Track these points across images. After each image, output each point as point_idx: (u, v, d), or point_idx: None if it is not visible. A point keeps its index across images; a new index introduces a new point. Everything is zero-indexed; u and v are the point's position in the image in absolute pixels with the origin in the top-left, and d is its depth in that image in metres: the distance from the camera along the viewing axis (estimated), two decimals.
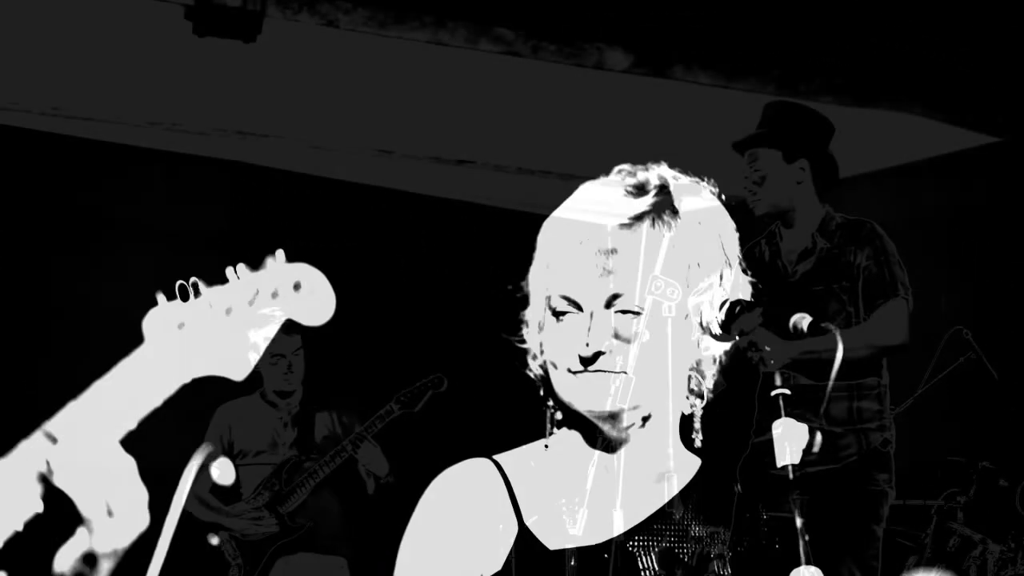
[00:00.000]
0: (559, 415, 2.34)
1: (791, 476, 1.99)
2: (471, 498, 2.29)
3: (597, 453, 2.31)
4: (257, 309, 1.74)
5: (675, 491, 2.35)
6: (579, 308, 2.23)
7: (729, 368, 4.07)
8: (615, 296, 2.23)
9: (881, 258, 4.24)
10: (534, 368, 2.36)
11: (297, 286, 1.77)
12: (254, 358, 1.74)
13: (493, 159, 7.04)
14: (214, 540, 5.50)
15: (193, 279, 1.76)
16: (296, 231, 7.07)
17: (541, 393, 2.35)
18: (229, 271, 1.77)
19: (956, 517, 5.31)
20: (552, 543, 2.29)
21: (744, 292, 2.23)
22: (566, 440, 2.35)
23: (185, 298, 1.72)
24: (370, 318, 7.02)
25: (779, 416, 2.02)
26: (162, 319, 1.71)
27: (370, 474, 5.58)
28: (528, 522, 2.28)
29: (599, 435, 2.29)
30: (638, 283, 2.20)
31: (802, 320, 2.07)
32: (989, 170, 6.39)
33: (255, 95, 6.31)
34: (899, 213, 5.81)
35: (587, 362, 2.21)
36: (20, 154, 6.57)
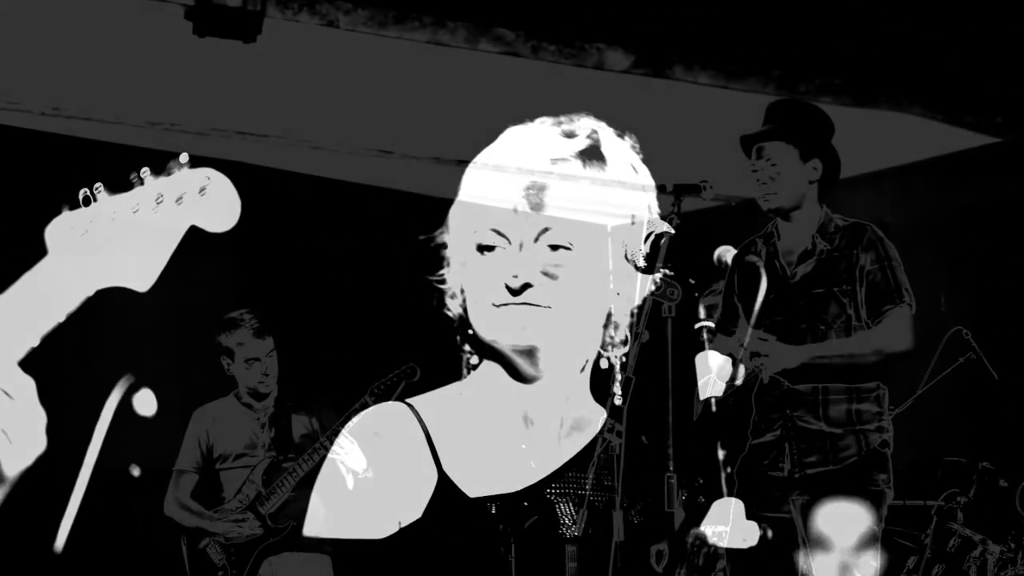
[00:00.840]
0: (474, 359, 2.34)
1: (713, 408, 2.00)
2: (387, 443, 2.27)
3: (515, 400, 2.30)
4: (162, 214, 1.66)
5: (587, 441, 2.36)
6: (508, 241, 2.23)
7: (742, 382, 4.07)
8: (545, 230, 2.24)
9: (885, 263, 4.25)
10: (453, 308, 2.35)
11: (203, 190, 1.70)
12: (158, 268, 1.66)
13: (493, 159, 7.03)
14: (135, 471, 5.49)
15: (97, 184, 1.69)
16: (296, 231, 7.07)
17: (457, 338, 2.34)
18: (132, 176, 1.71)
19: (956, 517, 5.31)
20: (472, 491, 2.29)
21: (662, 228, 2.25)
22: (482, 385, 2.34)
23: (87, 204, 1.65)
24: (370, 318, 7.02)
25: (702, 349, 2.04)
26: (64, 228, 1.63)
27: (349, 470, 5.59)
28: (447, 469, 2.28)
29: (517, 374, 2.28)
30: (567, 218, 2.21)
31: (726, 253, 2.09)
32: (989, 170, 6.39)
33: (255, 95, 6.31)
34: (899, 213, 5.81)
35: (515, 293, 2.21)
36: (20, 154, 6.57)
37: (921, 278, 4.62)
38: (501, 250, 2.22)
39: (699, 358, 2.03)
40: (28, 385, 1.59)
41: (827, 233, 4.29)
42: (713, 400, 2.00)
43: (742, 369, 2.08)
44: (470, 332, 2.28)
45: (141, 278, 1.64)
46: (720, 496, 1.97)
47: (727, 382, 2.05)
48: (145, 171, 1.68)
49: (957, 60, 5.92)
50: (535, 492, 2.25)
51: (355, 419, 2.32)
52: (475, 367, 2.33)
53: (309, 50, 5.78)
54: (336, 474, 2.23)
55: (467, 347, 2.31)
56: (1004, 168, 6.29)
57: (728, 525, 1.98)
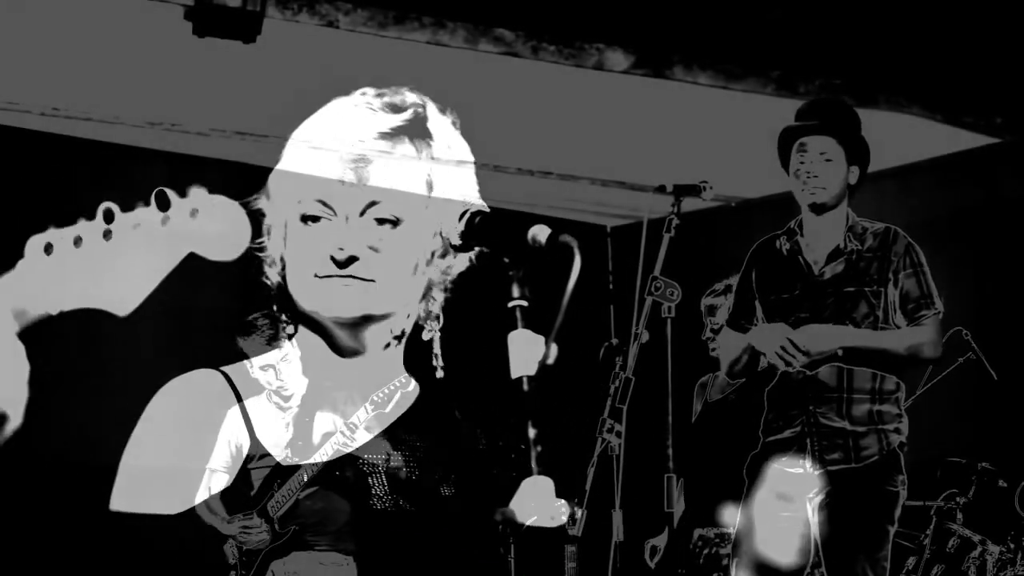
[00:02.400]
0: (291, 328, 2.35)
1: (526, 387, 2.01)
2: (198, 410, 2.27)
3: (333, 370, 2.31)
4: (146, 236, 1.62)
5: (401, 411, 2.37)
6: (333, 212, 2.23)
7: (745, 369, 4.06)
8: (371, 203, 2.24)
9: (918, 269, 4.29)
10: (271, 276, 2.35)
11: (194, 212, 1.66)
12: (141, 296, 1.62)
13: (493, 159, 7.04)
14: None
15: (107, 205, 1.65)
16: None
17: (274, 307, 2.34)
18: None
19: (955, 518, 5.31)
20: (284, 458, 2.29)
21: (481, 206, 2.25)
22: (300, 354, 2.35)
23: (109, 220, 1.60)
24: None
25: (516, 327, 2.04)
26: (35, 244, 1.59)
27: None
28: (259, 435, 2.29)
29: (337, 346, 2.28)
30: (393, 192, 2.22)
31: (540, 233, 2.11)
32: (989, 170, 6.39)
33: (255, 95, 6.31)
34: (898, 214, 5.80)
35: (340, 265, 2.21)
36: (20, 154, 6.57)
37: None
38: (327, 221, 2.22)
39: (511, 336, 2.03)
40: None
41: (856, 234, 4.30)
42: (525, 379, 2.01)
43: (554, 348, 2.09)
44: (289, 301, 2.27)
45: (121, 303, 1.62)
46: (531, 474, 1.98)
47: (540, 362, 2.06)
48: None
49: (957, 60, 5.93)
50: (349, 461, 2.26)
51: (166, 386, 2.31)
52: (292, 336, 2.33)
53: (309, 50, 5.78)
54: (149, 441, 2.22)
55: (284, 316, 2.31)
56: (1004, 169, 6.29)
57: (535, 503, 1.99)
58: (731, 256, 5.26)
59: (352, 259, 2.12)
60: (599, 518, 4.00)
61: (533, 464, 1.94)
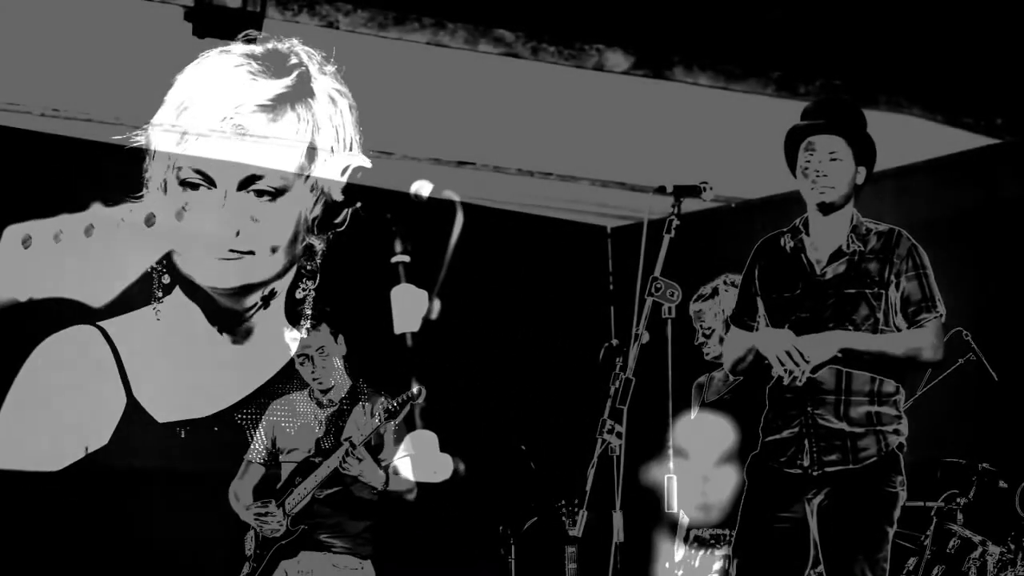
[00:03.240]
0: (167, 278, 2.34)
1: (409, 344, 2.00)
2: (74, 367, 2.26)
3: (211, 329, 2.31)
4: (129, 233, 1.63)
5: (276, 370, 2.37)
6: (213, 184, 2.22)
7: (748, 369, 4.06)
8: (252, 177, 2.24)
9: (920, 272, 4.27)
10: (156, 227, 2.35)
11: (180, 214, 1.67)
12: (117, 289, 1.63)
13: (493, 159, 7.05)
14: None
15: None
16: (295, 232, 7.07)
17: (156, 261, 2.34)
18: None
19: (956, 519, 5.31)
20: (161, 416, 2.29)
21: (363, 162, 2.25)
22: (178, 310, 2.34)
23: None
24: (370, 318, 7.02)
25: (399, 282, 2.03)
26: (12, 233, 1.60)
27: (365, 486, 5.55)
28: (136, 393, 2.28)
29: (216, 311, 2.28)
30: (271, 165, 2.21)
31: (423, 188, 2.10)
32: (989, 171, 6.39)
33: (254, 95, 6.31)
34: (898, 214, 5.81)
35: (221, 239, 2.21)
36: (20, 154, 6.57)
37: None
38: (205, 191, 2.21)
39: (395, 292, 2.03)
40: None
41: (860, 235, 4.29)
42: (409, 335, 2.01)
43: (437, 304, 2.09)
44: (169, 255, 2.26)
45: (95, 296, 1.64)
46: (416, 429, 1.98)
47: (423, 317, 2.06)
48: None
49: (957, 60, 5.93)
50: (225, 417, 2.26)
51: (43, 343, 2.31)
52: (168, 286, 2.32)
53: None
54: (24, 399, 2.22)
55: (160, 266, 2.30)
56: (1004, 169, 6.29)
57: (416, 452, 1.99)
58: (731, 256, 5.25)
59: (232, 232, 2.12)
60: (599, 519, 4.00)
61: (417, 419, 1.94)
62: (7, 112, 6.43)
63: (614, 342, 5.20)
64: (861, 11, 5.77)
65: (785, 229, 4.41)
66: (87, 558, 6.14)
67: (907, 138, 6.44)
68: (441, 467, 2.34)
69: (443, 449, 6.52)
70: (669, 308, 4.02)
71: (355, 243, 6.25)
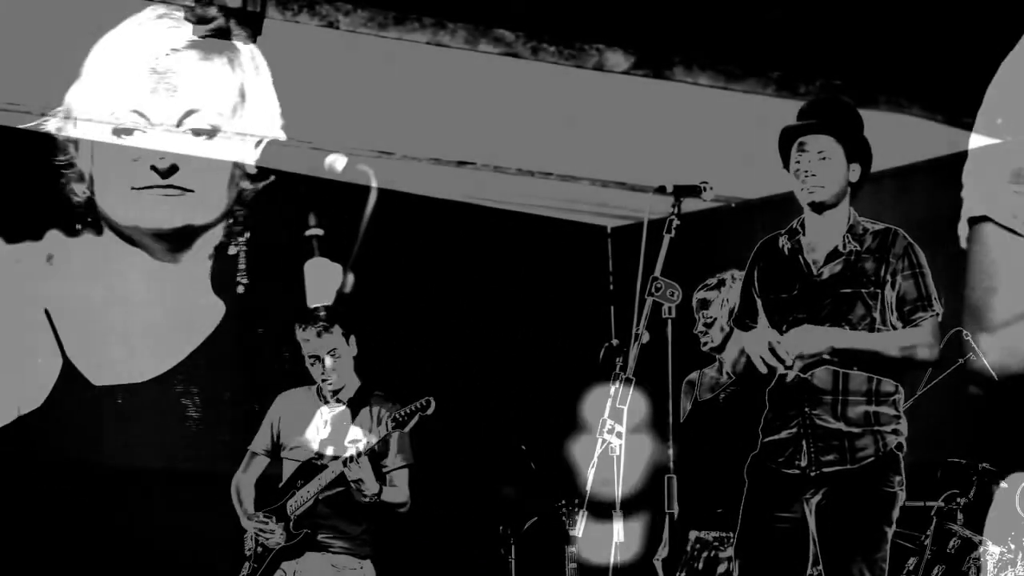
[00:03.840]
0: (98, 227, 2.33)
1: (321, 314, 2.00)
2: (3, 327, 2.26)
3: (150, 284, 2.29)
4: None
5: (209, 332, 2.37)
6: (149, 123, 2.22)
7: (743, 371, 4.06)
8: (188, 113, 2.24)
9: (917, 271, 4.26)
10: (78, 192, 2.35)
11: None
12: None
13: (493, 159, 7.04)
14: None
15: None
16: (296, 232, 7.06)
17: (78, 225, 2.33)
18: None
19: (956, 519, 5.31)
20: (97, 378, 2.29)
21: (276, 126, 2.26)
22: (115, 268, 2.33)
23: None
24: (369, 318, 7.02)
25: (312, 256, 2.04)
26: None
27: (359, 491, 5.52)
28: (70, 355, 2.28)
29: (157, 255, 2.28)
30: (210, 102, 2.22)
31: (336, 161, 2.10)
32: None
33: (255, 96, 6.30)
34: (898, 214, 5.81)
35: (162, 175, 2.21)
36: (20, 154, 6.56)
37: None
38: (141, 133, 2.21)
39: (308, 265, 2.04)
40: None
41: (856, 235, 4.29)
42: (322, 309, 2.01)
43: (351, 277, 2.09)
44: (98, 217, 2.25)
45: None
46: None
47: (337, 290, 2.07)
48: None
49: (957, 60, 5.92)
50: (163, 382, 2.26)
51: None
52: (96, 233, 2.30)
53: (309, 51, 5.78)
54: None
55: (89, 219, 2.29)
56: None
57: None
58: (731, 256, 5.25)
59: (173, 168, 2.12)
60: (599, 519, 4.00)
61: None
62: (7, 112, 6.42)
63: (614, 342, 5.19)
64: (861, 11, 5.77)
65: (783, 230, 4.41)
66: (86, 558, 6.13)
67: (907, 138, 6.44)
68: (353, 445, 2.34)
69: (443, 449, 6.52)
70: (669, 308, 4.02)
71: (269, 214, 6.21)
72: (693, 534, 5.20)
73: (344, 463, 5.41)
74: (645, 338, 3.98)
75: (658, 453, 4.39)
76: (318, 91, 6.34)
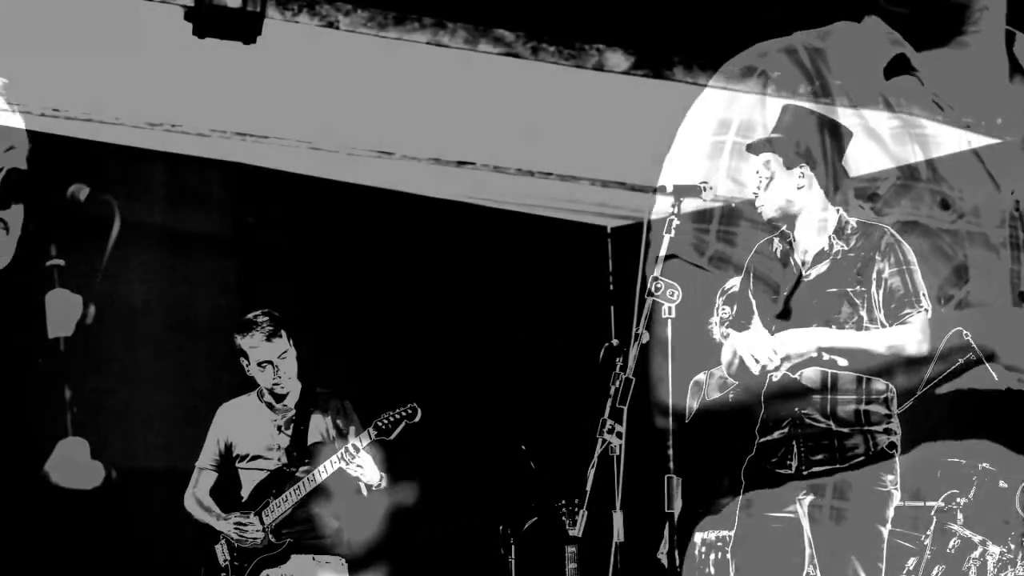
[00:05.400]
0: None
1: (62, 348, 2.01)
2: None
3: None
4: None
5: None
6: None
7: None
8: None
9: (903, 268, 4.28)
10: None
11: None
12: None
13: (493, 160, 7.04)
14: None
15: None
16: (297, 232, 7.07)
17: None
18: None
19: (956, 519, 5.31)
20: None
21: (16, 164, 2.24)
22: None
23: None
24: (369, 319, 7.02)
25: (53, 287, 2.02)
26: None
27: (360, 480, 5.55)
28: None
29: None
30: None
31: (80, 191, 2.09)
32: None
33: (255, 96, 6.31)
34: (897, 213, 5.80)
35: None
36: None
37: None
38: None
39: (49, 297, 2.03)
40: None
41: (843, 234, 4.30)
42: (62, 339, 2.01)
43: (92, 309, 2.09)
44: None
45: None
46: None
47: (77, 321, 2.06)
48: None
49: (957, 60, 5.92)
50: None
51: None
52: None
53: (309, 51, 5.78)
54: None
55: None
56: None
57: None
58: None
59: None
60: (600, 519, 4.00)
61: (69, 426, 1.96)
62: (7, 112, 6.42)
63: (614, 342, 5.20)
64: (860, 11, 5.77)
65: (775, 234, 4.43)
66: (87, 558, 6.13)
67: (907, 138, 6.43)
68: (93, 478, 2.32)
69: (442, 449, 6.52)
70: (669, 308, 4.03)
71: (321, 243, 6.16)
72: (698, 535, 5.21)
73: (342, 458, 5.42)
74: (645, 338, 3.99)
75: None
76: (318, 92, 6.35)
